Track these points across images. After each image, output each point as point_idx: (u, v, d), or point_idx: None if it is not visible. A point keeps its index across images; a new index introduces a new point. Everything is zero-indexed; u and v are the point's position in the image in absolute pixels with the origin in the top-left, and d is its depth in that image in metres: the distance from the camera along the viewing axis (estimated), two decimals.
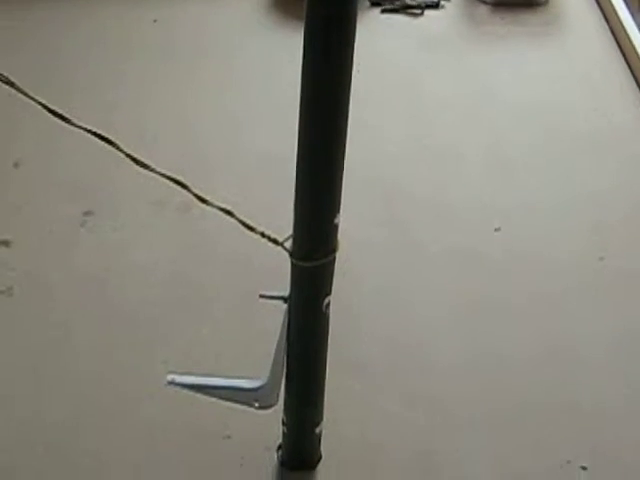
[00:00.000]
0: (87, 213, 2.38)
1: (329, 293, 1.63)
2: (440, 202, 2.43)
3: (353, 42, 1.38)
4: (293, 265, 1.58)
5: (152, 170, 1.53)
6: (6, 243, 2.31)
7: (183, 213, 2.36)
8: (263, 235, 1.57)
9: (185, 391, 1.77)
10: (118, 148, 1.51)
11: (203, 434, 1.96)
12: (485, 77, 2.82)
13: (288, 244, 1.56)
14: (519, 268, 2.28)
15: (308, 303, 1.63)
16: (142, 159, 1.52)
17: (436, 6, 3.04)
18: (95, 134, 1.50)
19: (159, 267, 2.27)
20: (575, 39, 2.94)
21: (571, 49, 2.90)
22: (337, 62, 1.38)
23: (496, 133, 2.61)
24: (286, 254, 1.55)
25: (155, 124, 2.62)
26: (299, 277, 1.60)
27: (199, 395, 1.77)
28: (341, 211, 2.21)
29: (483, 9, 3.05)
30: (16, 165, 2.50)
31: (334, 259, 1.58)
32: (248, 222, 1.57)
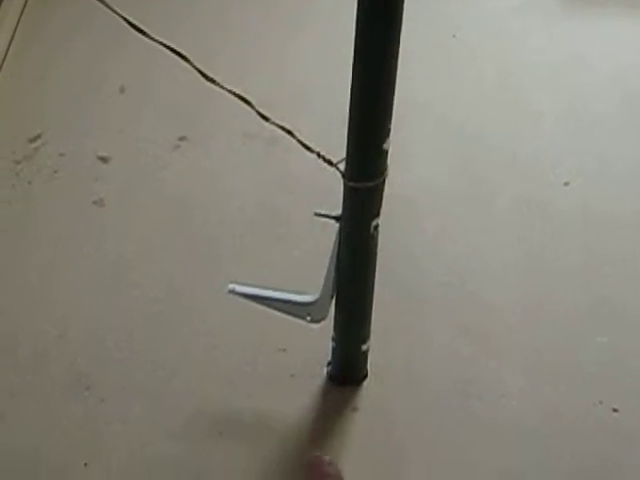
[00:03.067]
0: (182, 138, 2.50)
1: (377, 215, 1.70)
2: (514, 154, 2.48)
3: None
4: (345, 186, 1.66)
5: (219, 85, 1.62)
6: (104, 159, 2.44)
7: (270, 146, 2.45)
8: (319, 155, 1.66)
9: (244, 301, 1.87)
10: (190, 62, 1.60)
11: (260, 346, 2.06)
12: (576, 42, 2.83)
13: (342, 166, 1.65)
14: (583, 223, 2.32)
15: (357, 223, 1.71)
16: (213, 76, 1.61)
17: None
18: (169, 48, 1.59)
19: (241, 193, 2.38)
20: None
21: None
22: (388, 11, 1.43)
23: (579, 95, 2.64)
24: None
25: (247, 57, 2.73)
26: (350, 198, 1.68)
27: (260, 311, 1.87)
28: (418, 153, 2.29)
29: None
30: (122, 89, 2.63)
31: (383, 182, 1.65)
32: (307, 143, 1.66)
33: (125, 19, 1.58)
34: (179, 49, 1.56)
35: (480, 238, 2.28)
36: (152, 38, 1.59)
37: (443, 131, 2.53)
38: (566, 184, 2.39)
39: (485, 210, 2.34)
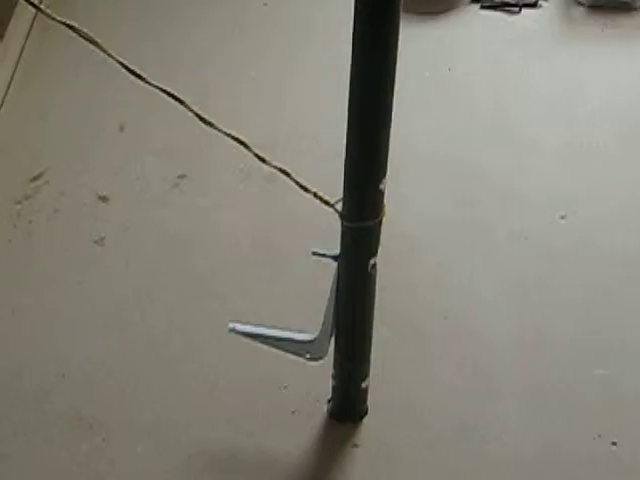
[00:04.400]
0: (181, 176, 2.51)
1: (375, 254, 1.71)
2: (511, 187, 2.49)
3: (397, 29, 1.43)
4: (342, 226, 1.67)
5: (216, 128, 1.63)
6: (104, 199, 2.45)
7: (268, 183, 2.46)
8: (316, 196, 1.67)
9: (245, 339, 1.88)
10: (187, 106, 1.62)
11: (261, 383, 2.07)
12: (574, 75, 2.84)
13: (339, 206, 1.66)
14: (579, 256, 2.33)
15: (355, 262, 1.72)
16: (209, 117, 1.63)
17: (534, 5, 3.08)
18: (166, 92, 1.61)
19: (240, 230, 2.39)
20: None
21: None
22: (383, 46, 1.44)
23: (576, 128, 2.65)
24: None
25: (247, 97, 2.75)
26: (347, 237, 1.69)
27: (260, 349, 1.88)
28: (416, 187, 2.30)
29: (579, 11, 3.07)
30: (121, 128, 2.64)
31: (380, 222, 1.66)
32: (304, 184, 1.67)
33: (123, 64, 1.59)
34: (174, 91, 1.58)
35: (478, 272, 2.29)
36: (149, 83, 1.60)
37: (440, 165, 2.54)
38: (562, 217, 2.40)
39: (483, 244, 2.35)
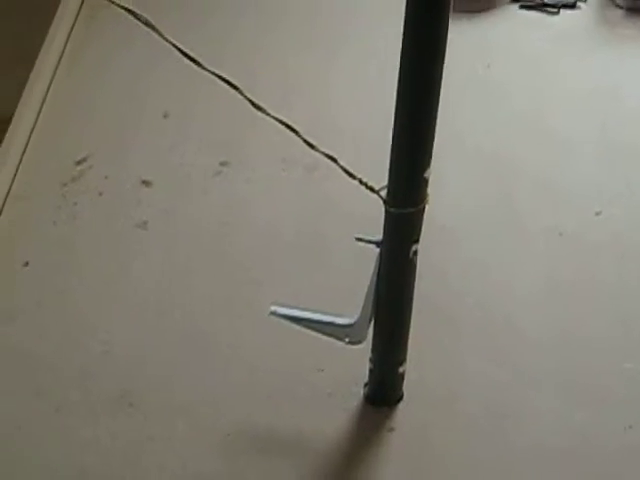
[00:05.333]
0: (223, 163, 2.55)
1: (417, 241, 1.75)
2: (546, 182, 2.52)
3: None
4: (386, 212, 1.71)
5: (267, 113, 1.67)
6: (147, 183, 2.50)
7: (310, 172, 2.50)
8: (361, 182, 1.71)
9: (285, 322, 1.92)
10: (240, 92, 1.66)
11: (299, 365, 2.10)
12: (611, 76, 2.87)
13: (383, 193, 1.70)
14: (612, 252, 2.36)
15: (397, 248, 1.76)
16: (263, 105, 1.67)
17: (572, 6, 3.11)
18: (221, 78, 1.65)
19: (282, 217, 2.43)
20: None
21: None
22: (430, 40, 1.48)
23: (612, 127, 2.68)
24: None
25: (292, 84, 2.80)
26: (391, 223, 1.72)
27: (300, 333, 1.92)
28: (453, 179, 2.34)
29: (617, 12, 3.09)
30: (165, 115, 2.69)
31: (423, 209, 1.70)
32: (350, 170, 1.71)
33: (180, 49, 1.63)
34: (226, 76, 1.62)
35: (513, 265, 2.32)
36: (205, 68, 1.64)
37: (477, 160, 2.58)
38: (597, 213, 2.42)
39: (518, 238, 2.38)
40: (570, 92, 2.81)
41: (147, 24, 1.64)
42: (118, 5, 1.69)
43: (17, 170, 2.51)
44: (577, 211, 2.45)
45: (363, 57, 2.90)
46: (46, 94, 2.71)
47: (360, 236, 1.78)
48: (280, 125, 1.68)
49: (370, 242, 1.78)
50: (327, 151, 1.70)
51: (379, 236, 1.75)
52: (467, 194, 2.49)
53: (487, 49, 2.94)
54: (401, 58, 1.52)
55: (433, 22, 1.47)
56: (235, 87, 1.68)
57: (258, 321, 2.11)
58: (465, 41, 2.92)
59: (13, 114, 2.61)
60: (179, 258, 2.34)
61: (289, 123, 1.68)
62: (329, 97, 2.77)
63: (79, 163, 2.54)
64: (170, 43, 1.64)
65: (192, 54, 1.63)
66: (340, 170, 1.71)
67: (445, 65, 1.52)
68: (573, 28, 3.05)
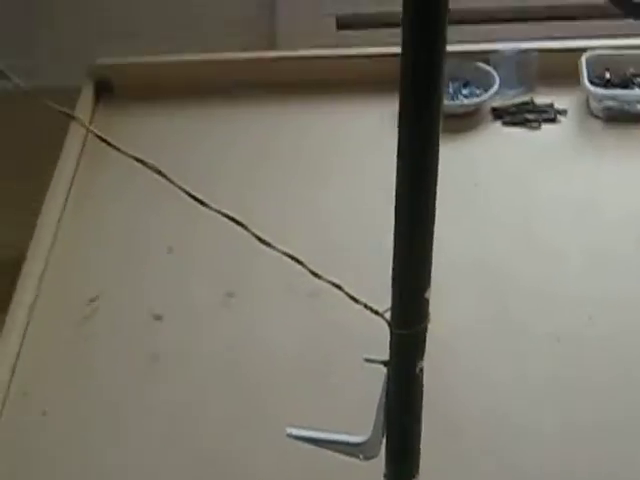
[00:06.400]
0: (229, 294, 2.65)
1: (422, 358, 1.83)
2: (541, 292, 2.62)
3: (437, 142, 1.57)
4: (391, 333, 1.80)
5: (273, 247, 1.77)
6: (158, 317, 2.59)
7: (313, 297, 2.59)
8: (366, 306, 1.80)
9: (298, 443, 1.99)
10: (246, 228, 1.76)
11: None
12: (594, 186, 2.99)
13: (388, 314, 1.79)
14: (605, 355, 2.46)
15: (404, 366, 1.84)
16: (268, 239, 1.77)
17: (553, 120, 3.24)
18: (226, 216, 1.75)
19: (289, 342, 2.51)
20: None
21: None
22: (423, 167, 1.58)
23: (597, 235, 2.79)
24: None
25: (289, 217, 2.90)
26: (396, 343, 1.81)
27: (312, 451, 1.98)
28: (450, 294, 2.44)
29: (596, 123, 3.23)
30: (170, 249, 2.80)
31: (425, 328, 1.78)
32: (354, 295, 1.80)
33: (187, 192, 1.74)
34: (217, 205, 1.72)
35: (514, 373, 2.40)
36: (212, 208, 1.75)
37: (472, 273, 2.68)
38: (590, 318, 2.52)
39: (517, 346, 2.46)
40: (556, 204, 2.93)
41: (157, 171, 1.74)
42: (127, 154, 1.79)
43: (31, 313, 2.60)
44: (571, 317, 2.54)
45: (354, 184, 3.01)
46: (55, 236, 2.81)
47: (369, 357, 1.86)
48: (283, 255, 1.77)
49: (378, 362, 1.86)
50: (331, 278, 1.79)
51: (385, 356, 1.83)
52: (465, 308, 2.58)
53: (473, 168, 3.07)
54: (396, 188, 1.62)
55: (424, 150, 1.56)
56: (240, 223, 1.78)
57: (271, 443, 2.17)
58: (451, 161, 3.03)
59: (17, 258, 2.71)
60: (191, 388, 2.42)
61: (292, 254, 1.78)
62: (326, 223, 2.88)
63: (92, 301, 2.63)
64: (177, 186, 1.75)
65: (199, 195, 1.73)
66: (344, 294, 1.80)
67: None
68: (555, 141, 3.19)
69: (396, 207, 1.67)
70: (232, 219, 1.79)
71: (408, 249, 1.71)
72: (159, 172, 1.79)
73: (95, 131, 1.87)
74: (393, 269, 1.75)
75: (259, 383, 2.43)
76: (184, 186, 1.77)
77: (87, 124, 2.15)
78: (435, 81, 1.48)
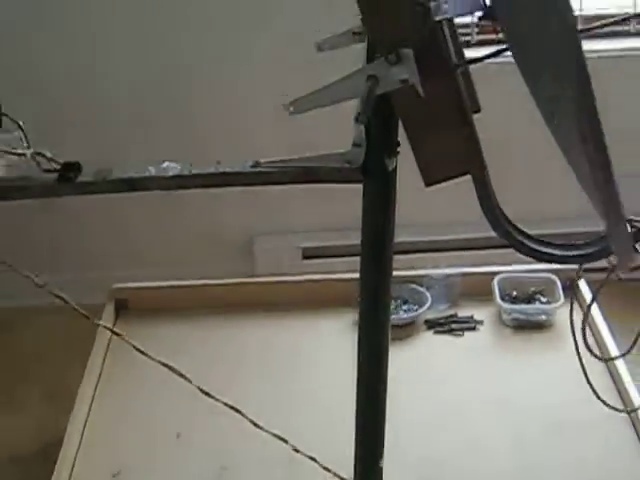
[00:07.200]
0: (223, 467, 3.11)
1: None
2: (466, 469, 3.12)
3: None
4: None
5: (267, 431, 2.28)
6: None
7: (295, 466, 2.77)
8: (335, 474, 2.29)
9: None
10: (242, 415, 2.27)
11: None
12: (508, 381, 3.54)
13: None
14: None
15: None
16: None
17: (473, 329, 3.80)
18: (229, 406, 2.26)
19: None
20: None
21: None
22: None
23: (514, 422, 3.31)
24: None
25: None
26: None
27: None
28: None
29: (507, 331, 3.80)
30: (178, 435, 3.28)
31: None
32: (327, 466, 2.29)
33: (199, 388, 2.24)
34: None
35: None
36: (216, 399, 2.26)
37: (415, 463, 3.10)
38: None
39: None
40: (479, 396, 3.46)
41: (180, 374, 2.25)
42: (151, 357, 2.30)
43: None
44: None
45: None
46: (86, 421, 3.32)
47: None
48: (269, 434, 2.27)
49: None
50: (307, 448, 2.29)
51: None
52: None
53: (410, 368, 3.56)
54: (357, 374, 2.14)
55: (379, 345, 2.11)
56: (238, 411, 2.29)
57: None
58: (394, 362, 3.52)
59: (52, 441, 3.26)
60: None
61: (284, 437, 2.28)
62: (300, 408, 3.38)
63: (115, 476, 3.07)
64: (189, 381, 2.26)
65: (206, 389, 2.24)
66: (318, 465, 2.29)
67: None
68: (475, 346, 3.77)
69: (357, 395, 2.15)
70: (232, 408, 2.30)
71: (365, 426, 2.18)
72: (181, 375, 2.30)
73: (126, 339, 2.38)
74: (355, 443, 2.22)
75: None
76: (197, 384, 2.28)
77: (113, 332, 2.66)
78: (384, 299, 2.01)
